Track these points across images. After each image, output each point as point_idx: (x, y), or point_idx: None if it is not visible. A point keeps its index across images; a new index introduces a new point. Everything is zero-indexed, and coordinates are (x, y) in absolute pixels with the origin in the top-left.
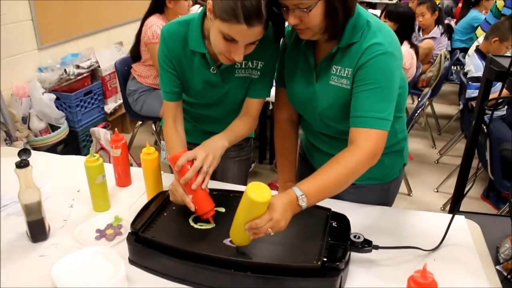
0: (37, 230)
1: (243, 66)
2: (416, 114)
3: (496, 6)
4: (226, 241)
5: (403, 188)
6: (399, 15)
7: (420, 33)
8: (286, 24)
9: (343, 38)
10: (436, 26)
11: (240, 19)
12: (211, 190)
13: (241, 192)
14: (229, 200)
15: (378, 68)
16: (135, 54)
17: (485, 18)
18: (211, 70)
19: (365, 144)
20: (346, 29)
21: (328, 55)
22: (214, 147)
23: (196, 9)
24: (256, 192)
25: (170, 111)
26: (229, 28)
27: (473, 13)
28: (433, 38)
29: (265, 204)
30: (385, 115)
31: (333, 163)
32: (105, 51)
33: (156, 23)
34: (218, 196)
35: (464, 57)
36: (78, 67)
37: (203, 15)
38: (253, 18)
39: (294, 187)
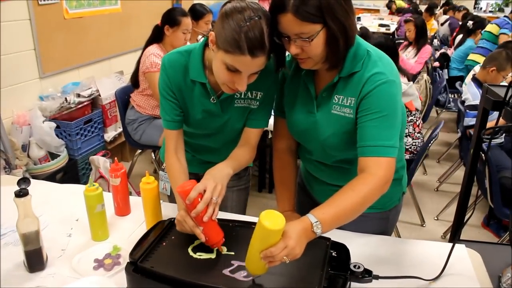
0: (35, 260)
1: (242, 96)
2: (430, 145)
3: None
4: (226, 271)
5: (402, 216)
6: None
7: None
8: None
9: (344, 67)
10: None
11: (244, 50)
12: None
13: (241, 222)
14: (229, 230)
15: (383, 97)
16: (135, 81)
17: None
18: (211, 99)
19: (377, 172)
20: (347, 59)
21: (330, 84)
22: (221, 176)
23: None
24: (270, 219)
25: (171, 140)
26: (233, 59)
27: (469, 43)
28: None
29: (279, 232)
30: (392, 142)
31: (347, 191)
32: (106, 80)
33: (153, 52)
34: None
35: (461, 86)
36: (78, 95)
37: (204, 45)
38: (256, 49)
39: (309, 214)
